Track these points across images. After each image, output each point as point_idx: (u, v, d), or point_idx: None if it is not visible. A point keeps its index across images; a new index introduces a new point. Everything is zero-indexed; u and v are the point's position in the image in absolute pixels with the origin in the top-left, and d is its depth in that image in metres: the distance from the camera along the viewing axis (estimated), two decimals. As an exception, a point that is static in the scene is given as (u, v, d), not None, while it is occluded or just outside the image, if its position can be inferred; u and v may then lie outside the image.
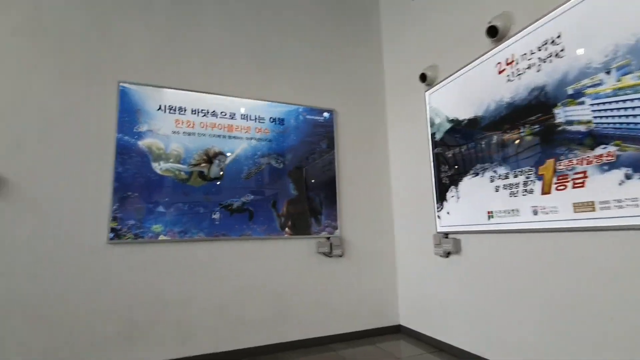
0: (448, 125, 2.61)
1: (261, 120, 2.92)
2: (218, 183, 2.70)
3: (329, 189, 3.07)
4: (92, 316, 2.31)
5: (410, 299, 3.05)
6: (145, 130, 2.56)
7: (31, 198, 2.28)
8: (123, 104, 2.52)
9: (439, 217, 2.68)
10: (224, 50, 2.93)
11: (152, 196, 2.51)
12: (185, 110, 2.69)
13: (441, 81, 2.70)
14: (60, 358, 2.21)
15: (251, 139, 2.86)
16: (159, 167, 2.56)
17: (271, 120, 2.95)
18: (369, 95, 3.46)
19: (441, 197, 2.66)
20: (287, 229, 2.88)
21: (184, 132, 2.66)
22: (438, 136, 2.72)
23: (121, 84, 2.54)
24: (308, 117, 3.09)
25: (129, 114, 2.53)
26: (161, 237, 2.50)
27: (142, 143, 2.54)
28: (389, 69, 3.48)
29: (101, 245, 2.37)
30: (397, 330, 3.14)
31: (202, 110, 2.74)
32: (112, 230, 2.39)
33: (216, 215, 2.66)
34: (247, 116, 2.87)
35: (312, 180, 3.03)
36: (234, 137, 2.80)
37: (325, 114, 3.17)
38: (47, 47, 2.44)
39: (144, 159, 2.53)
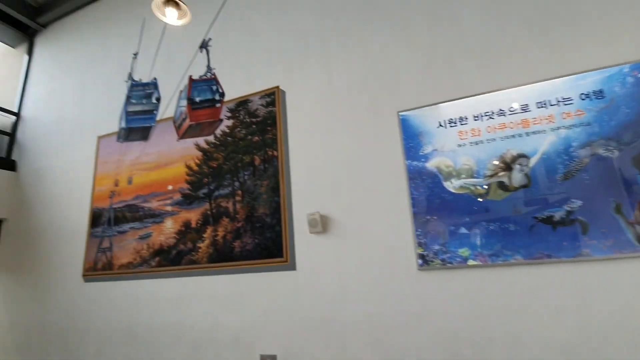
0: None
1: (567, 102, 2.21)
2: (526, 191, 2.20)
3: None
4: (418, 344, 2.29)
5: None
6: (430, 151, 2.48)
7: (351, 232, 2.63)
8: (405, 131, 2.57)
9: None
10: (494, 36, 2.51)
11: (451, 217, 2.33)
12: (466, 119, 2.43)
13: None
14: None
15: (558, 128, 2.20)
16: (451, 185, 2.38)
17: (582, 96, 2.19)
18: None
19: None
20: (650, 243, 1.94)
21: (470, 143, 2.39)
22: None
23: (400, 113, 2.62)
24: (644, 74, 2.09)
25: (412, 139, 2.54)
26: (470, 262, 2.25)
27: (430, 164, 2.46)
28: None
29: (413, 272, 2.38)
30: None
31: (485, 113, 2.39)
32: (420, 256, 2.36)
33: (533, 232, 2.14)
34: (545, 102, 2.26)
35: (681, 164, 1.95)
36: (534, 133, 2.25)
37: (678, 61, 2.05)
38: (337, 102, 2.90)
39: (435, 180, 2.42)
